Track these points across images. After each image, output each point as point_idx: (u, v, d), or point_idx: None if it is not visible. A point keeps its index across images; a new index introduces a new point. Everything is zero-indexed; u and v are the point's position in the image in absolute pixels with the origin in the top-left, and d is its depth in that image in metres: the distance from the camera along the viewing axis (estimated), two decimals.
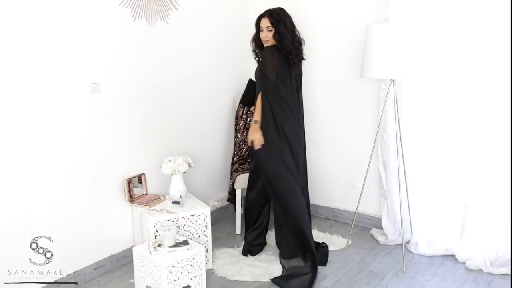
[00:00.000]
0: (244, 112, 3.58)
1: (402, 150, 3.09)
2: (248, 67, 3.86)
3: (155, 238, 2.77)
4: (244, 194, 3.64)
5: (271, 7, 2.90)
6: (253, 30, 3.00)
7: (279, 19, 2.83)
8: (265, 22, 2.85)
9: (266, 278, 2.83)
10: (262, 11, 2.93)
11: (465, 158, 3.03)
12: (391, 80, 3.03)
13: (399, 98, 3.16)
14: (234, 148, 3.69)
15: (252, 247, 3.15)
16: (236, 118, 3.68)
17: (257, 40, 2.96)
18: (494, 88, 2.87)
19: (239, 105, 3.68)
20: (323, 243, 3.15)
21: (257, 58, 3.02)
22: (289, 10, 2.93)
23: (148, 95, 3.08)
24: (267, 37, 2.85)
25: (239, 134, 3.64)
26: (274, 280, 2.80)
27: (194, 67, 3.41)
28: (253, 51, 3.03)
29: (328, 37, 3.56)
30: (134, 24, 2.91)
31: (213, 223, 3.54)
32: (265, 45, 2.91)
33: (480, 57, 2.88)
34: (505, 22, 2.76)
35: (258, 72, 2.85)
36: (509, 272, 2.85)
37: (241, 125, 3.64)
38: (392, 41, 2.83)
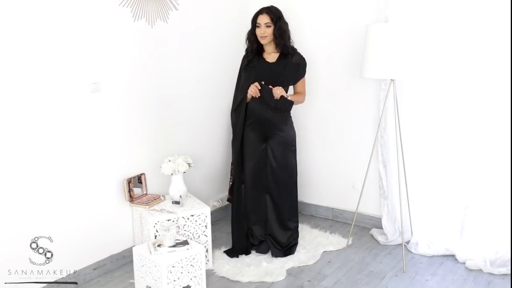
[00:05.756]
0: None
1: (402, 150, 3.09)
2: None
3: (155, 238, 2.77)
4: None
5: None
6: None
7: (278, 15, 2.89)
8: (264, 18, 2.90)
9: (266, 278, 2.83)
10: None
11: (465, 158, 3.03)
12: (391, 80, 3.03)
13: (399, 98, 3.16)
14: None
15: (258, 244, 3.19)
16: None
17: (251, 37, 3.02)
18: (494, 88, 2.87)
19: None
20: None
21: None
22: (289, 10, 2.97)
23: (148, 95, 3.08)
24: (266, 33, 2.91)
25: None
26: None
27: (194, 67, 3.41)
28: (249, 50, 3.07)
29: (328, 37, 3.56)
30: (134, 24, 2.91)
31: (213, 223, 3.54)
32: (262, 41, 2.96)
33: (480, 57, 2.88)
34: (505, 22, 2.76)
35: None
36: (509, 272, 2.85)
37: None
38: (392, 41, 2.83)
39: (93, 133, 2.76)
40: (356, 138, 3.58)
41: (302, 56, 3.08)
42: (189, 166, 2.98)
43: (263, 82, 2.92)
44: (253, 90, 2.91)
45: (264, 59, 3.04)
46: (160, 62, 3.14)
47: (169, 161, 2.96)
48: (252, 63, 3.04)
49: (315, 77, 3.61)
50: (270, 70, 3.00)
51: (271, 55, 3.04)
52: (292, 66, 3.01)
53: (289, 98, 2.97)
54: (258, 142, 3.06)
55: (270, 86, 2.92)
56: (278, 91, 2.90)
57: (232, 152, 3.22)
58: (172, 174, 2.95)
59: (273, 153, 3.05)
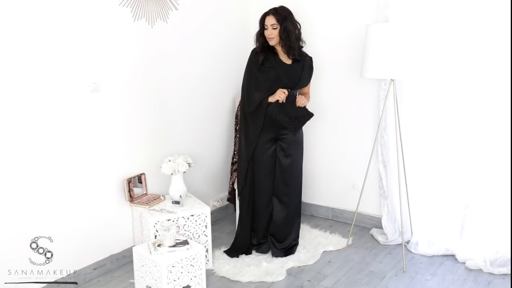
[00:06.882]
0: None
1: (402, 150, 3.09)
2: None
3: (155, 238, 2.77)
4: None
5: (271, 7, 2.92)
6: (253, 30, 3.01)
7: (285, 15, 2.88)
8: (270, 20, 2.89)
9: (266, 278, 2.84)
10: (262, 11, 2.95)
11: (465, 158, 3.03)
12: (391, 80, 3.03)
13: (399, 98, 3.16)
14: (234, 148, 3.69)
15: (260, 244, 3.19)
16: (236, 118, 3.68)
17: (260, 38, 2.99)
18: (494, 87, 2.87)
19: (239, 104, 3.69)
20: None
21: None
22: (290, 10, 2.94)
23: (148, 95, 3.08)
24: (272, 34, 2.91)
25: (239, 134, 3.64)
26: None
27: (194, 67, 3.41)
28: (257, 51, 3.00)
29: (328, 37, 3.56)
30: (134, 24, 2.91)
31: (213, 223, 3.54)
32: (270, 42, 2.95)
33: (480, 57, 2.88)
34: (505, 22, 2.76)
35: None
36: (509, 272, 2.85)
37: None
38: (392, 41, 2.83)
39: (93, 133, 2.76)
40: (356, 138, 3.58)
41: (310, 56, 3.08)
42: (189, 166, 2.99)
43: (289, 90, 2.94)
44: (282, 96, 2.89)
45: (280, 59, 2.98)
46: (160, 62, 3.14)
47: (169, 161, 2.96)
48: (269, 63, 2.95)
49: (315, 77, 3.60)
50: (290, 72, 2.96)
51: (284, 56, 3.00)
52: (308, 68, 3.04)
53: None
54: (268, 143, 3.03)
55: (294, 94, 2.97)
56: (302, 100, 2.95)
57: (241, 152, 3.14)
58: (172, 174, 2.95)
59: (285, 152, 3.04)
